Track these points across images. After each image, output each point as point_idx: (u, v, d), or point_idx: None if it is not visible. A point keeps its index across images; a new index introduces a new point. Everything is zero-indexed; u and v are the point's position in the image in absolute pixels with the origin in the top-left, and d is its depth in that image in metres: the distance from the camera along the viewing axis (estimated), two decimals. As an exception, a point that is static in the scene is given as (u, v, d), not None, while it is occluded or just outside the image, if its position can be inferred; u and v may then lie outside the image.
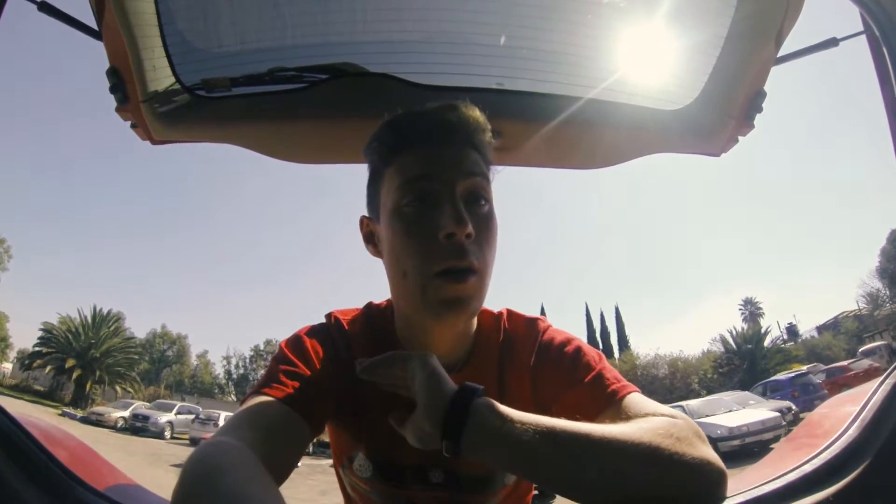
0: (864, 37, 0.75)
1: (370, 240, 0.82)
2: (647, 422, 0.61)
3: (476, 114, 0.77)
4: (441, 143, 0.74)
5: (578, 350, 0.81)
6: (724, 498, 0.56)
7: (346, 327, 0.86)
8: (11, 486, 0.52)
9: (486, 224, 0.74)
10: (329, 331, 0.85)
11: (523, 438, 0.57)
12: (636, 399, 0.70)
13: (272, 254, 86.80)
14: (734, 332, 33.39)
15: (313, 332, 0.84)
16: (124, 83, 1.01)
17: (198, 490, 0.46)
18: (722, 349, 33.67)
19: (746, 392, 15.99)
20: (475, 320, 0.85)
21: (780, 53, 1.01)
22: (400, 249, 0.73)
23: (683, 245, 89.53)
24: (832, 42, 0.98)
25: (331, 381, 0.77)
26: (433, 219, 0.70)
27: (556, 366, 0.80)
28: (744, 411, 12.04)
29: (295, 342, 0.80)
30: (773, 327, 38.02)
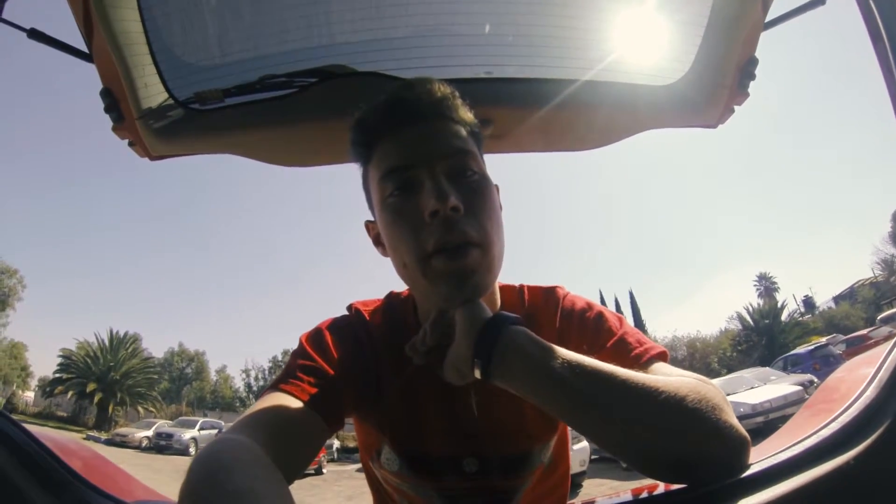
0: None
1: (378, 241, 0.81)
2: (677, 378, 0.61)
3: (436, 84, 0.75)
4: (409, 125, 0.73)
5: (600, 315, 0.81)
6: (746, 467, 0.55)
7: (368, 318, 0.86)
8: (26, 495, 0.53)
9: (477, 193, 0.71)
10: (350, 323, 0.85)
11: (553, 365, 0.58)
12: (661, 366, 0.70)
13: (284, 262, 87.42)
14: (751, 309, 33.12)
15: (334, 325, 0.83)
16: (118, 103, 1.03)
17: (204, 487, 0.46)
18: (739, 326, 33.43)
19: (767, 368, 15.83)
20: (498, 297, 0.84)
21: (768, 18, 1.00)
22: (395, 240, 0.72)
23: (693, 223, 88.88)
24: (819, 1, 0.96)
25: (351, 376, 0.76)
26: (417, 202, 0.69)
27: (579, 332, 0.79)
28: (765, 387, 11.92)
29: (315, 336, 0.80)
30: (789, 301, 37.65)
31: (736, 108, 1.16)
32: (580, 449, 8.99)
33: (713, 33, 1.05)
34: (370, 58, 1.07)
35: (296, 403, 0.67)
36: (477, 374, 0.63)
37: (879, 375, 0.58)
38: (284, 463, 0.55)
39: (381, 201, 0.74)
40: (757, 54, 1.06)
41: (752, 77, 1.08)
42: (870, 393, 0.57)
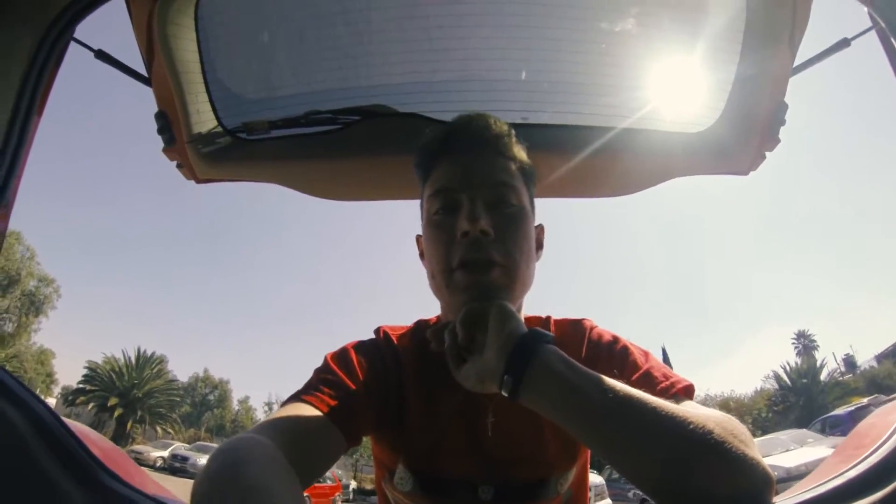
0: (874, 33, 0.75)
1: (424, 255, 0.87)
2: (706, 410, 0.60)
3: (493, 121, 0.83)
4: (463, 154, 0.80)
5: (626, 348, 0.82)
6: None
7: (395, 342, 0.88)
8: (49, 475, 0.55)
9: (510, 223, 0.77)
10: (377, 345, 0.87)
11: (583, 387, 0.58)
12: (687, 404, 0.68)
13: (318, 302, 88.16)
14: (788, 368, 31.61)
15: (360, 345, 0.86)
16: (171, 126, 1.10)
17: (220, 481, 0.47)
18: (776, 386, 31.90)
19: (804, 430, 14.99)
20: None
21: (796, 63, 1.01)
22: (429, 252, 0.79)
23: (729, 278, 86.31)
24: (844, 43, 0.97)
25: (373, 394, 0.78)
26: (454, 222, 0.76)
27: (606, 364, 0.79)
28: (802, 450, 11.27)
29: (340, 354, 0.82)
30: (828, 360, 35.81)
31: (768, 154, 1.16)
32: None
33: (742, 80, 1.06)
34: (411, 100, 1.13)
35: (315, 413, 0.69)
36: (504, 391, 0.63)
37: (910, 419, 0.56)
38: (299, 468, 0.56)
39: (427, 217, 0.81)
40: (787, 100, 1.06)
41: (783, 122, 1.08)
42: (899, 436, 0.55)
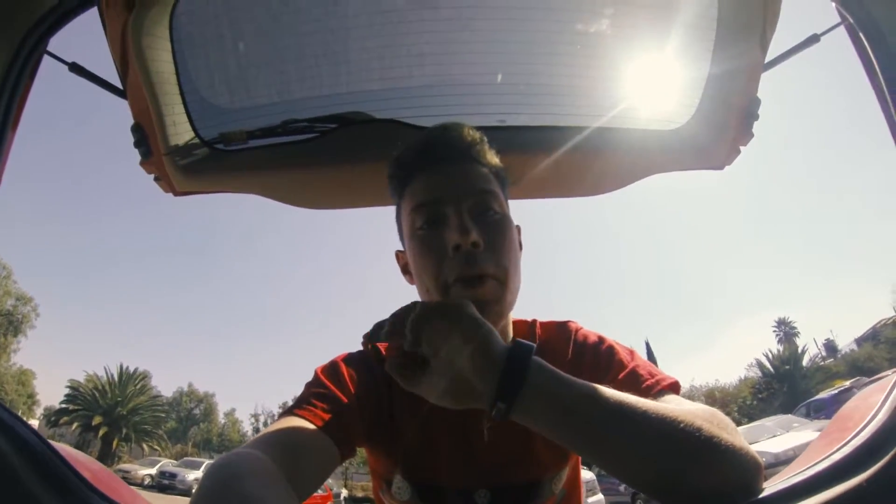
0: (843, 28, 0.76)
1: (406, 270, 0.86)
2: (692, 405, 0.62)
3: (466, 130, 0.82)
4: (441, 165, 0.80)
5: (611, 348, 0.83)
6: (760, 490, 0.56)
7: (384, 353, 0.87)
8: (39, 499, 0.54)
9: (497, 230, 0.77)
10: (365, 356, 0.86)
11: (573, 403, 0.58)
12: (672, 398, 0.71)
13: (300, 309, 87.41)
14: (770, 355, 32.22)
15: (350, 358, 0.86)
16: (147, 138, 1.08)
17: (216, 496, 0.47)
18: (759, 374, 32.47)
19: (789, 415, 15.29)
20: (510, 331, 0.85)
21: (767, 59, 1.03)
22: (420, 269, 0.78)
23: (708, 269, 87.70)
24: (814, 39, 0.98)
25: (365, 405, 0.78)
26: (442, 236, 0.75)
27: (592, 365, 0.81)
28: (788, 435, 11.46)
29: (330, 368, 0.82)
30: (809, 345, 36.57)
31: (742, 148, 1.18)
32: (595, 502, 8.67)
33: (716, 77, 1.08)
34: (388, 105, 1.13)
35: (309, 426, 0.69)
36: (496, 416, 0.59)
37: (891, 399, 0.57)
38: (294, 481, 0.56)
39: (411, 232, 0.80)
40: (759, 95, 1.08)
41: (756, 117, 1.10)
42: (882, 416, 0.56)
